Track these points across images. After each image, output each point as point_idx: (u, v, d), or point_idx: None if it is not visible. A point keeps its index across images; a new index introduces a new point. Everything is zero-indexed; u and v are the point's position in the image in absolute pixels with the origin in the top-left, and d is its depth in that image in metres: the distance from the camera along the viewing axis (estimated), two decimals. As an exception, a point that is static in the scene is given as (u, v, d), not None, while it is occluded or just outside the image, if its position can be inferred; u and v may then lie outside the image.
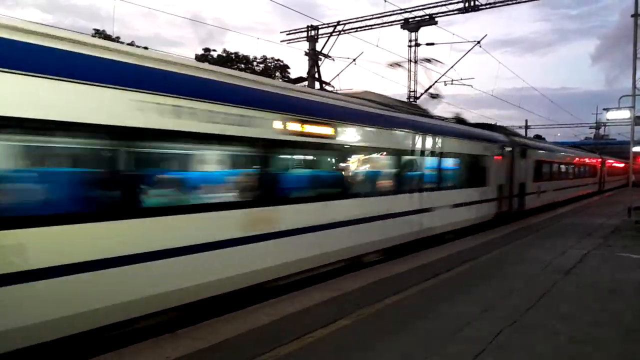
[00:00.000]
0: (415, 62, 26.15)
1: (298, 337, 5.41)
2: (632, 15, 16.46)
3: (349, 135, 9.11)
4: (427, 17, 24.33)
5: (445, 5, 23.60)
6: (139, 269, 5.39)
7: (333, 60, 19.93)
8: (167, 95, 5.71)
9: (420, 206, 11.33)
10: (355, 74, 50.71)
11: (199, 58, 38.88)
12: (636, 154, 22.57)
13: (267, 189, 7.19)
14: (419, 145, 11.46)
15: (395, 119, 10.80)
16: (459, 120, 16.66)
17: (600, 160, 37.58)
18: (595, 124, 68.61)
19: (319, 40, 26.15)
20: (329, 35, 21.54)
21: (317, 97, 8.96)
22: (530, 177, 19.80)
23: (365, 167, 9.99)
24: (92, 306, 5.02)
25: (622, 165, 47.95)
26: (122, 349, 5.05)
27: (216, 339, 5.33)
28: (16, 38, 4.59)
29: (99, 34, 33.63)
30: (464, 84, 23.84)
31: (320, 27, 26.61)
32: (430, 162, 12.07)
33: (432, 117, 13.69)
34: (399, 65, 17.52)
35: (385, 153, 10.29)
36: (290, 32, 28.32)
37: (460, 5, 22.85)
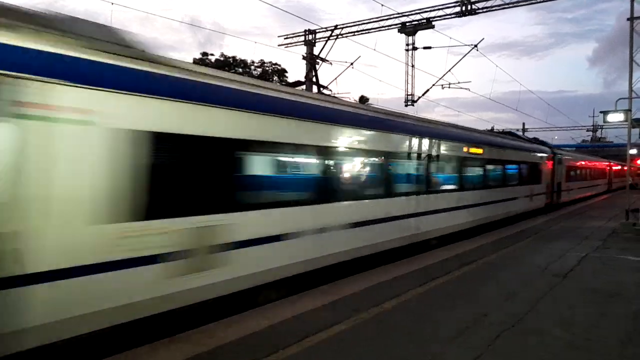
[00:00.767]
0: (413, 66, 26.22)
1: (297, 341, 5.40)
2: (627, 19, 16.55)
3: (486, 153, 15.64)
4: (424, 21, 24.39)
5: (442, 9, 23.66)
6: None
7: (331, 64, 19.97)
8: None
9: (513, 195, 18.42)
10: (353, 77, 50.72)
11: (197, 62, 38.90)
12: (633, 156, 22.61)
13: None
14: (515, 158, 18.78)
15: (510, 145, 18.71)
16: (517, 136, 24.48)
17: (609, 164, 44.29)
18: (592, 127, 68.87)
19: (317, 44, 26.20)
20: (326, 39, 21.59)
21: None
22: (563, 179, 26.30)
23: (498, 171, 17.16)
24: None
25: (626, 168, 48.80)
26: (118, 354, 5.03)
27: (215, 343, 5.31)
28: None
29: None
30: (461, 88, 23.93)
31: (317, 31, 26.66)
32: (520, 168, 19.28)
33: (521, 138, 23.75)
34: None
35: (499, 164, 17.15)
36: (288, 36, 28.37)
37: (457, 9, 22.91)
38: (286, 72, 44.34)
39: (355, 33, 25.70)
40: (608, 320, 6.39)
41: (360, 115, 9.81)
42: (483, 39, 19.87)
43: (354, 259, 9.13)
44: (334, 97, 12.16)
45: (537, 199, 21.28)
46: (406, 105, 25.63)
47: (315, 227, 8.07)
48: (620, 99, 17.58)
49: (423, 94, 23.17)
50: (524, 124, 59.73)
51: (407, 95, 26.50)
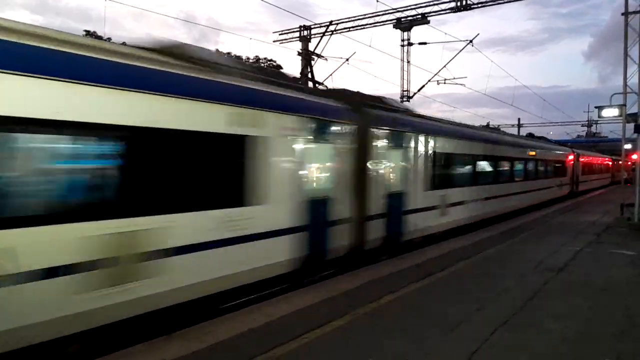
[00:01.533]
0: (408, 61, 26.22)
1: (294, 337, 5.42)
2: (622, 14, 16.59)
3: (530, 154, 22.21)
4: (420, 16, 24.37)
5: (437, 4, 23.64)
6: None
7: (326, 60, 19.95)
8: None
9: (552, 185, 25.38)
10: (349, 73, 50.71)
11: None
12: (627, 151, 22.74)
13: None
14: (552, 157, 25.80)
15: (548, 147, 26.40)
16: (547, 139, 31.75)
17: (610, 160, 49.32)
18: (587, 122, 69.08)
19: (312, 40, 26.11)
20: (321, 35, 21.55)
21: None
22: (580, 172, 32.77)
23: (544, 167, 24.16)
24: None
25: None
26: (114, 353, 5.04)
27: (212, 340, 5.33)
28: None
29: (90, 35, 33.43)
30: (457, 83, 23.96)
31: (312, 27, 26.58)
32: (555, 165, 26.28)
33: (549, 141, 31.39)
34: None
35: (545, 162, 24.24)
36: (283, 32, 28.27)
37: (452, 4, 22.90)
38: (281, 68, 44.28)
39: (351, 29, 25.64)
40: (601, 315, 6.45)
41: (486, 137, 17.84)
42: (478, 34, 19.88)
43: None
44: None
45: (565, 188, 28.63)
46: (402, 101, 25.63)
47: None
48: (614, 94, 17.66)
49: (419, 90, 23.16)
50: (519, 119, 59.80)
51: (403, 91, 26.52)
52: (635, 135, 16.98)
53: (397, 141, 10.91)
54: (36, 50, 4.67)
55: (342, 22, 25.70)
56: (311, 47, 23.61)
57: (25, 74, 4.49)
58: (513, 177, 19.42)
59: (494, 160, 17.27)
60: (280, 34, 28.38)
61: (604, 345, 5.37)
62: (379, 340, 5.42)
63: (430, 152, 12.38)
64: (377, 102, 11.28)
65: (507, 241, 12.57)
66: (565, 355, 5.05)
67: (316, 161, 8.70)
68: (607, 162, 47.55)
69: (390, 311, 6.53)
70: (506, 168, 18.77)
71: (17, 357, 4.51)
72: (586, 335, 5.66)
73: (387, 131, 10.52)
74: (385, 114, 10.93)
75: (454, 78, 23.68)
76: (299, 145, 7.94)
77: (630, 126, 16.46)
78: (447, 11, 23.36)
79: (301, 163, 8.00)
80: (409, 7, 24.76)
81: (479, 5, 22.42)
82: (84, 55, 5.09)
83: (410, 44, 26.39)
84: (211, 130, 6.35)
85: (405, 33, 26.31)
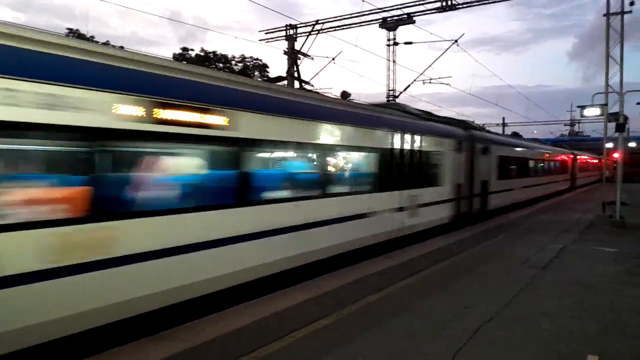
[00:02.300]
0: (394, 61, 26.32)
1: (280, 337, 5.40)
2: (604, 15, 16.83)
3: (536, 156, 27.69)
4: (405, 16, 24.48)
5: (422, 4, 23.77)
6: None
7: (312, 59, 19.90)
8: None
9: (556, 180, 30.87)
10: (335, 72, 50.85)
11: (176, 57, 38.45)
12: (608, 150, 23.09)
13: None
14: (559, 158, 32.36)
15: (554, 150, 33.19)
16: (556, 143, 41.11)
17: (600, 159, 54.76)
18: (570, 121, 70.02)
19: (298, 39, 26.07)
20: (307, 34, 21.50)
21: None
22: (577, 170, 39.93)
23: (550, 166, 29.89)
24: None
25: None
26: (101, 353, 4.98)
27: (199, 340, 5.29)
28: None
29: (73, 33, 32.97)
30: (442, 83, 24.09)
31: (298, 26, 26.55)
32: (560, 164, 32.43)
33: (557, 145, 38.16)
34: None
35: (553, 163, 30.72)
36: (269, 31, 28.20)
37: (438, 4, 23.04)
38: (267, 67, 44.17)
39: (337, 28, 25.68)
40: (587, 311, 6.53)
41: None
42: (463, 34, 20.02)
43: None
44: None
45: (565, 183, 34.91)
46: (387, 101, 25.72)
47: None
48: (596, 93, 17.95)
49: (404, 89, 23.18)
50: (503, 118, 60.60)
51: (389, 90, 26.64)
52: (616, 134, 17.25)
53: (484, 149, 17.19)
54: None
55: (328, 22, 25.73)
56: (297, 46, 23.57)
57: None
58: (540, 173, 27.54)
59: (531, 160, 25.45)
60: (266, 33, 28.32)
61: (588, 340, 5.43)
62: (365, 339, 5.42)
63: (498, 155, 18.89)
64: (469, 125, 18.06)
65: (493, 239, 12.68)
66: (550, 351, 5.10)
67: (458, 162, 14.86)
68: (594, 161, 52.94)
69: (376, 310, 6.53)
70: (537, 166, 26.82)
71: None
72: (571, 331, 5.73)
73: (479, 143, 16.85)
74: (477, 132, 17.96)
75: (439, 78, 23.82)
76: (452, 155, 14.49)
77: (612, 125, 16.74)
78: (433, 11, 23.51)
79: (453, 164, 14.48)
80: (394, 7, 24.87)
81: (464, 6, 22.60)
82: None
83: (396, 44, 26.53)
84: (435, 150, 13.31)
85: (391, 33, 26.44)
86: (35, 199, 4.68)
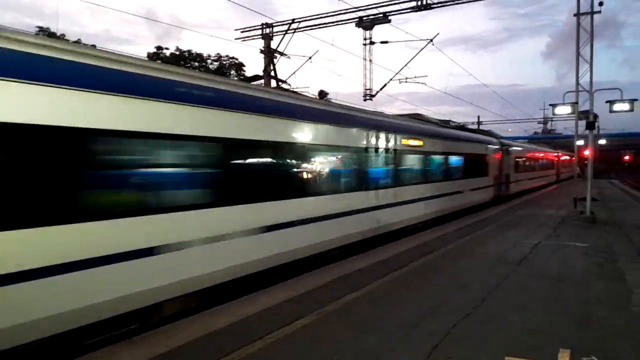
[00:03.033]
0: (370, 60, 26.42)
1: (260, 337, 5.37)
2: (574, 15, 17.25)
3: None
4: (381, 15, 24.57)
5: (398, 3, 23.87)
6: None
7: (289, 58, 19.85)
8: None
9: (550, 174, 43.35)
10: (312, 72, 50.81)
11: (150, 56, 37.86)
12: (580, 147, 23.62)
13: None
14: (567, 157, 53.91)
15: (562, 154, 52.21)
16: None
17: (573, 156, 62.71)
18: (543, 119, 71.46)
19: (274, 38, 25.93)
20: (284, 33, 21.44)
21: None
22: (560, 167, 49.36)
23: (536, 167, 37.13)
24: None
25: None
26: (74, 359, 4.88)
27: (175, 344, 5.21)
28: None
29: (43, 31, 32.15)
30: (418, 82, 24.30)
31: (275, 24, 26.41)
32: (550, 162, 43.96)
33: (533, 143, 48.26)
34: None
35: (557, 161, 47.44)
36: (245, 29, 27.96)
37: (413, 3, 23.18)
38: (244, 66, 43.83)
39: (313, 27, 25.60)
40: (559, 305, 6.67)
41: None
42: (438, 33, 20.26)
43: None
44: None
45: (554, 177, 45.01)
46: (365, 100, 25.83)
47: None
48: (567, 92, 18.38)
49: (381, 89, 23.38)
50: (479, 116, 61.38)
51: (366, 89, 26.70)
52: (587, 132, 17.67)
53: (506, 151, 24.68)
54: None
55: (305, 20, 25.63)
56: (274, 45, 23.46)
57: None
58: (539, 168, 36.60)
59: (534, 159, 34.40)
60: (242, 32, 28.06)
61: (562, 334, 5.55)
62: (343, 338, 5.43)
63: (514, 155, 27.00)
64: (492, 133, 26.64)
65: (469, 235, 12.85)
66: (524, 345, 5.19)
67: (494, 160, 22.00)
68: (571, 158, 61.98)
69: (356, 308, 6.55)
70: (537, 163, 35.78)
71: None
72: (545, 325, 5.84)
73: (504, 147, 24.37)
74: (505, 141, 25.87)
75: (415, 77, 24.04)
76: (491, 155, 21.73)
77: (583, 123, 17.13)
78: (408, 10, 23.61)
79: (493, 161, 21.54)
80: (370, 6, 24.93)
81: (439, 5, 22.78)
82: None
83: (372, 43, 26.59)
84: (485, 153, 21.11)
85: (367, 32, 26.48)
86: None
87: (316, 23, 25.72)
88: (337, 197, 9.97)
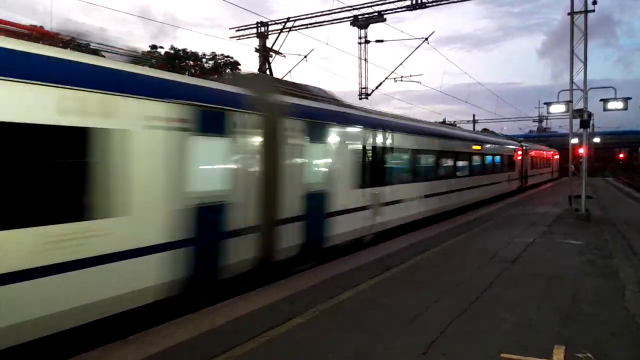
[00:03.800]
0: (366, 59, 26.43)
1: (253, 337, 5.38)
2: (568, 13, 17.26)
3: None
4: (376, 14, 24.58)
5: (393, 2, 23.90)
6: None
7: (284, 57, 19.86)
8: None
9: (554, 170, 50.77)
10: (307, 70, 50.79)
11: (145, 55, 37.67)
12: (574, 145, 23.68)
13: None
14: (550, 157, 50.25)
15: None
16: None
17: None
18: (538, 118, 71.73)
19: (269, 36, 25.91)
20: (279, 32, 21.42)
21: None
22: (557, 164, 53.68)
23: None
24: None
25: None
26: (68, 359, 4.86)
27: (169, 343, 5.21)
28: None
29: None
30: (413, 81, 24.35)
31: (270, 23, 26.38)
32: (553, 159, 51.07)
33: (529, 141, 43.46)
34: None
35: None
36: (240, 28, 27.91)
37: (408, 2, 23.20)
38: (239, 64, 43.71)
39: (308, 26, 25.57)
40: (552, 302, 6.71)
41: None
42: (433, 32, 20.37)
43: None
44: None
45: (557, 173, 50.36)
46: (360, 99, 25.85)
47: None
48: (562, 90, 18.39)
49: (376, 87, 23.41)
50: (474, 115, 61.55)
51: (361, 88, 26.70)
52: (581, 130, 17.72)
53: (525, 151, 31.44)
54: None
55: (300, 19, 25.60)
56: (269, 43, 23.45)
57: None
58: (544, 165, 42.46)
59: (541, 157, 39.77)
60: (237, 30, 28.01)
61: (554, 330, 5.58)
62: (338, 336, 5.44)
63: (529, 154, 33.39)
64: (513, 137, 35.06)
65: (464, 233, 12.89)
66: (518, 342, 5.21)
67: (518, 158, 29.61)
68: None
69: (350, 307, 6.56)
70: (543, 161, 41.75)
71: None
72: (538, 322, 5.88)
73: (525, 149, 31.73)
74: (524, 142, 33.62)
75: (411, 76, 24.10)
76: (517, 156, 29.55)
77: (578, 121, 17.18)
78: (403, 9, 23.63)
79: (517, 159, 29.28)
80: (365, 5, 24.92)
81: (434, 4, 22.82)
82: None
83: (367, 42, 26.58)
84: (513, 153, 28.83)
85: (362, 31, 26.46)
86: None
87: (311, 22, 25.69)
88: (454, 181, 17.63)
